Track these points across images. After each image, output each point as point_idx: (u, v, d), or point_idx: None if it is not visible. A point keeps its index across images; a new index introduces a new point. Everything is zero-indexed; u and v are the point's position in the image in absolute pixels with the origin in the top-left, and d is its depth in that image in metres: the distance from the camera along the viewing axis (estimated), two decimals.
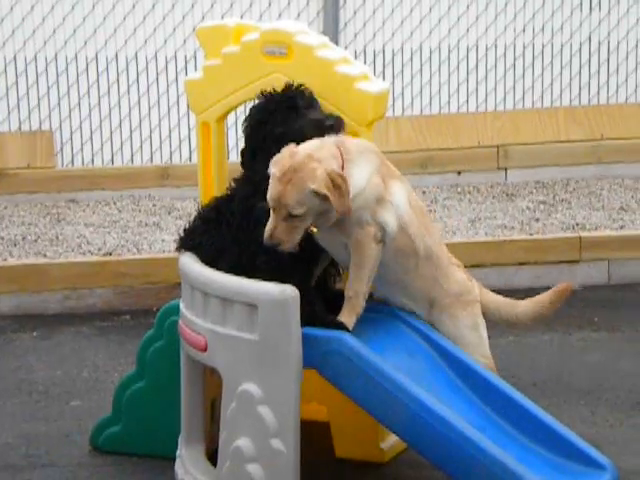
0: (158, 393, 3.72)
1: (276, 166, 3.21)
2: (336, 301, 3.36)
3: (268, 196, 3.21)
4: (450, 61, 6.62)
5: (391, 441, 3.69)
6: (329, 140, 3.29)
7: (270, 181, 3.21)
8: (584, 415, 3.97)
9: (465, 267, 3.55)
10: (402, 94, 6.68)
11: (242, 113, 6.40)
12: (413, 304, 3.47)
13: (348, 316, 3.29)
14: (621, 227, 5.66)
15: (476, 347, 3.48)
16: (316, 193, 3.17)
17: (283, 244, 3.21)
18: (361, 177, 3.29)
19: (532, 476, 3.11)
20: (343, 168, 3.25)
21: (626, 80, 6.77)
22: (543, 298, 3.54)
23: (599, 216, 5.84)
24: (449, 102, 6.68)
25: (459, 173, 6.56)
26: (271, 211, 3.21)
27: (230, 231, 3.38)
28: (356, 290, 3.31)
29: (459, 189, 6.46)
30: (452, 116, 6.64)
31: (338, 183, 3.19)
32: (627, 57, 6.76)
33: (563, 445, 3.34)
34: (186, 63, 6.53)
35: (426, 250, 3.41)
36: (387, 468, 3.64)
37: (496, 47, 6.68)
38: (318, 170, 3.17)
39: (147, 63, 6.53)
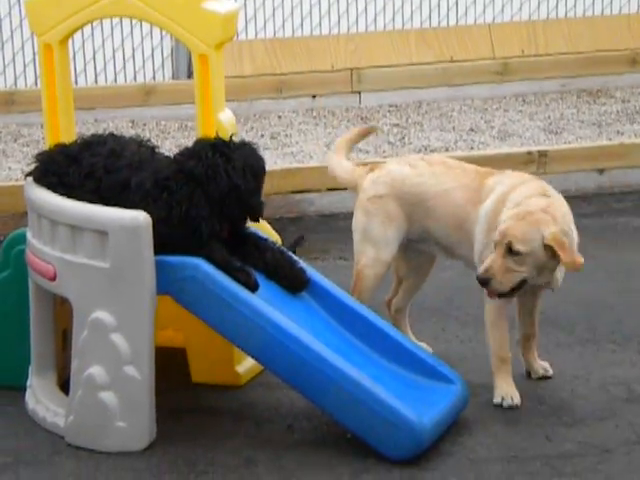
0: (6, 324, 3.63)
1: (516, 209, 3.39)
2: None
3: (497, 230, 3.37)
4: None
5: (247, 364, 3.70)
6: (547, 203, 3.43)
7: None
8: (436, 332, 4.05)
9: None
10: (255, 16, 6.59)
11: (89, 35, 6.33)
12: None
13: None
14: (471, 148, 5.75)
15: None
16: (544, 238, 3.30)
17: (494, 279, 3.33)
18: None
19: (386, 394, 3.18)
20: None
21: (474, 1, 6.84)
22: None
23: (450, 137, 5.92)
24: (302, 24, 6.63)
25: (314, 97, 6.54)
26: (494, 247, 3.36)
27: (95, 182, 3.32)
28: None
29: (314, 113, 6.44)
30: (306, 39, 6.59)
31: (563, 241, 3.32)
32: None
33: (416, 362, 3.43)
34: None
35: None
36: (243, 391, 3.65)
37: None
38: (551, 224, 3.33)
39: None
